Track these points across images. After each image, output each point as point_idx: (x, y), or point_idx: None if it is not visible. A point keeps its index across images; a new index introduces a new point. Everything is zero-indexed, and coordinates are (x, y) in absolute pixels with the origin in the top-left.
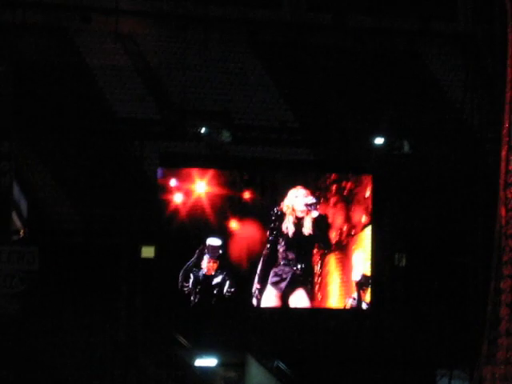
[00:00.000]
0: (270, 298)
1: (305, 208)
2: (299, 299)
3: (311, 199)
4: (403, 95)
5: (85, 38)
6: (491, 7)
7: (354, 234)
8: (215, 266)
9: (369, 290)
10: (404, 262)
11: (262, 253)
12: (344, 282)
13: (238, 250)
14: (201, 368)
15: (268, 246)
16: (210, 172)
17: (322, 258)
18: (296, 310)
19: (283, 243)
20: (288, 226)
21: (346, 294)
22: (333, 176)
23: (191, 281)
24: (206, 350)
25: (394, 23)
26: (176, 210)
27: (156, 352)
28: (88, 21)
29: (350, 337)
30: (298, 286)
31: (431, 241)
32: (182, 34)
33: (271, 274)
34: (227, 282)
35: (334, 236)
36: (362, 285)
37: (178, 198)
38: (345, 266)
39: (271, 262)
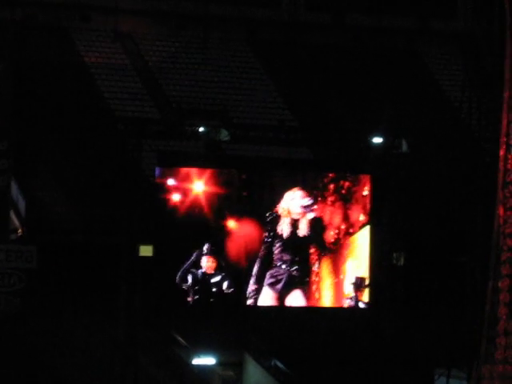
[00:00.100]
0: (266, 300)
1: (301, 210)
2: (295, 300)
3: (307, 201)
4: (402, 94)
5: (84, 38)
6: (490, 6)
7: (352, 233)
8: (214, 265)
9: (366, 289)
10: (402, 261)
11: (259, 254)
12: (341, 282)
13: (236, 249)
14: (199, 367)
15: (264, 247)
16: (208, 171)
17: (318, 259)
18: (294, 309)
19: (279, 245)
20: (283, 228)
21: (343, 294)
22: (331, 175)
23: (190, 280)
24: (204, 349)
25: (393, 22)
26: (174, 209)
27: (155, 351)
28: (87, 20)
29: (348, 336)
30: (294, 287)
31: (430, 240)
32: (181, 33)
33: (267, 275)
34: (226, 282)
35: (331, 236)
36: (359, 285)
37: (176, 197)
38: (341, 266)
39: (267, 263)
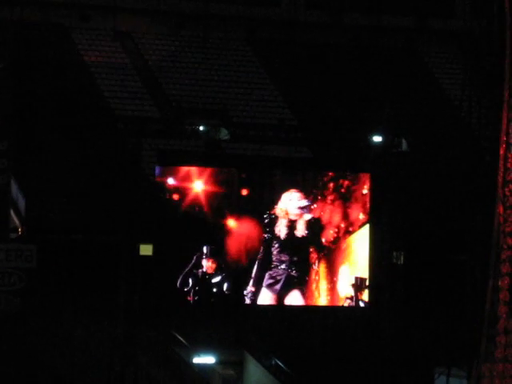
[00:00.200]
0: (265, 301)
1: (298, 211)
2: (294, 301)
3: (305, 202)
4: (401, 93)
5: (84, 37)
6: (489, 5)
7: (352, 232)
8: (214, 265)
9: (366, 288)
10: (402, 259)
11: (258, 255)
12: (339, 282)
13: (236, 248)
14: (199, 366)
15: (262, 248)
16: (208, 170)
17: (317, 259)
18: (294, 308)
19: (277, 246)
20: (281, 229)
21: (342, 294)
22: (331, 174)
23: (190, 280)
24: (204, 348)
25: (392, 21)
26: (174, 208)
27: (154, 350)
28: (86, 19)
29: (348, 335)
30: (292, 287)
31: (429, 239)
32: (180, 32)
33: (266, 276)
34: (226, 283)
35: (330, 235)
36: (359, 285)
37: (175, 196)
38: (340, 265)
39: (266, 264)
